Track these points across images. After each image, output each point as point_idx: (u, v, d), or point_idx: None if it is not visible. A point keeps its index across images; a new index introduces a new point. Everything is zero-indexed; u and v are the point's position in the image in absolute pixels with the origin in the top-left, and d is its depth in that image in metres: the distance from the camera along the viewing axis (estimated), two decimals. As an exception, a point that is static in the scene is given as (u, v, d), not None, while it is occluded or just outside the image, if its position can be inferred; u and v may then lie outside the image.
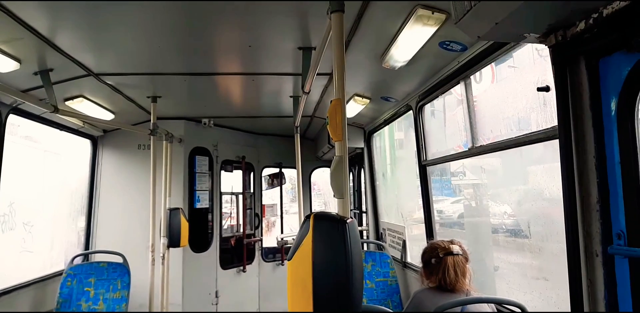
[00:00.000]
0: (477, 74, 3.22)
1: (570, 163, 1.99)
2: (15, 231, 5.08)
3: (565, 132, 2.01)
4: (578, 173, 1.98)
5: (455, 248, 3.07)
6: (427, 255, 3.16)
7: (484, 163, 4.02)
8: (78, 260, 5.19)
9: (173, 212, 5.36)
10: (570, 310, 1.95)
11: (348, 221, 1.73)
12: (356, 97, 4.68)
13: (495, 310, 3.05)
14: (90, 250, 5.81)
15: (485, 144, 3.19)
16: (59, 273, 4.95)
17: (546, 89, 2.38)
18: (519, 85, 2.99)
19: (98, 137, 6.17)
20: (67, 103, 4.60)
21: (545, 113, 2.56)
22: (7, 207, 4.73)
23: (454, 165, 4.53)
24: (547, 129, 2.39)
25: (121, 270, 4.87)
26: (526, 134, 2.60)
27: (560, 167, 1.99)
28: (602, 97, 1.94)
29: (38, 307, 4.65)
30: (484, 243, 4.19)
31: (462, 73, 3.27)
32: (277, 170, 8.29)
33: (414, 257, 4.88)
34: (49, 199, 6.12)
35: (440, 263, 3.03)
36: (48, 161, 6.48)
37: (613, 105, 1.89)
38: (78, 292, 4.69)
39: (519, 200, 3.75)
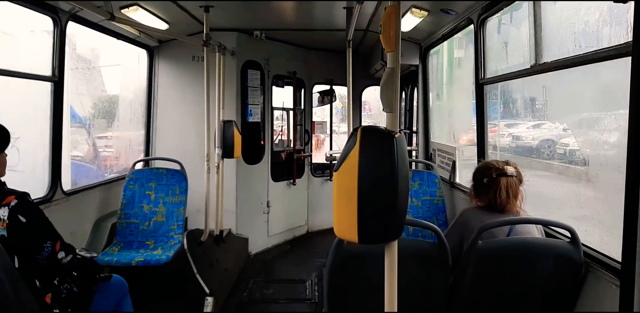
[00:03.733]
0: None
1: (641, 81, 1.85)
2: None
3: (640, 47, 1.85)
4: (648, 92, 1.85)
5: (510, 170, 2.98)
6: (479, 174, 3.08)
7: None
8: (139, 166, 5.51)
9: (227, 124, 5.51)
10: (622, 234, 1.92)
11: (396, 135, 1.71)
12: (413, 9, 4.42)
13: (544, 233, 3.04)
14: (150, 157, 6.13)
15: (549, 61, 3.00)
16: (122, 178, 5.30)
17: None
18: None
19: (154, 47, 6.23)
20: (123, 11, 4.62)
21: (620, 28, 2.34)
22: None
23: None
24: (620, 44, 2.20)
25: (179, 177, 5.14)
26: (595, 51, 2.41)
27: (630, 86, 1.86)
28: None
29: (104, 206, 5.05)
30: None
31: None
32: (327, 87, 8.21)
33: (463, 177, 4.87)
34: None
35: (493, 183, 2.96)
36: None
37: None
38: (140, 195, 5.02)
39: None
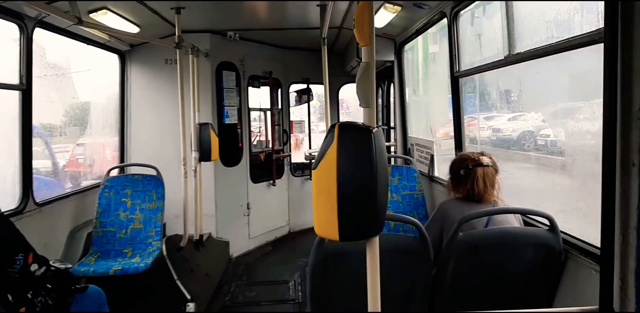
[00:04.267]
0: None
1: (614, 68, 1.85)
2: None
3: (612, 34, 1.85)
4: (622, 78, 1.85)
5: (485, 160, 3.04)
6: (456, 166, 3.13)
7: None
8: (114, 173, 5.40)
9: (203, 127, 5.42)
10: (600, 220, 1.93)
11: (373, 130, 1.69)
12: (387, 5, 4.43)
13: (522, 221, 3.07)
14: (125, 163, 6.02)
15: (522, 51, 3.01)
16: (96, 186, 5.18)
17: None
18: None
19: (125, 51, 6.11)
20: (91, 15, 4.52)
21: (590, 15, 2.35)
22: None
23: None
24: (592, 32, 2.21)
25: (155, 182, 5.04)
26: (567, 39, 2.41)
27: (603, 73, 1.86)
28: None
29: (79, 216, 4.92)
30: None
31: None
32: (304, 86, 8.17)
33: (442, 171, 4.89)
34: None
35: (470, 174, 3.01)
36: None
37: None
38: (116, 202, 4.92)
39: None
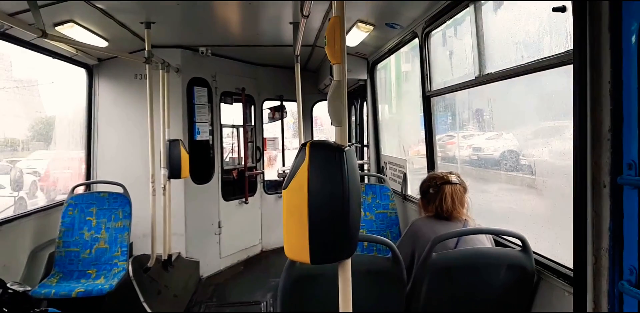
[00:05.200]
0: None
1: (584, 89, 1.87)
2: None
3: (581, 55, 1.87)
4: (591, 100, 1.87)
5: (453, 178, 3.09)
6: (425, 185, 3.18)
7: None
8: (79, 191, 5.22)
9: (172, 143, 5.31)
10: (572, 241, 1.92)
11: (345, 149, 1.65)
12: (359, 24, 4.45)
13: (493, 241, 3.06)
14: (90, 180, 5.84)
15: (493, 72, 3.04)
16: (60, 203, 4.99)
17: (562, 9, 2.23)
18: (533, 6, 2.77)
19: (93, 66, 5.98)
20: (57, 28, 4.41)
21: (559, 37, 2.38)
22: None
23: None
24: (561, 53, 2.24)
25: (122, 200, 4.89)
26: (537, 60, 2.45)
27: (573, 94, 1.88)
28: (623, 17, 1.79)
29: (41, 235, 4.72)
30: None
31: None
32: (278, 103, 8.14)
33: (415, 190, 4.88)
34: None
35: (439, 192, 3.05)
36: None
37: (634, 26, 1.73)
38: (80, 221, 4.74)
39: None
